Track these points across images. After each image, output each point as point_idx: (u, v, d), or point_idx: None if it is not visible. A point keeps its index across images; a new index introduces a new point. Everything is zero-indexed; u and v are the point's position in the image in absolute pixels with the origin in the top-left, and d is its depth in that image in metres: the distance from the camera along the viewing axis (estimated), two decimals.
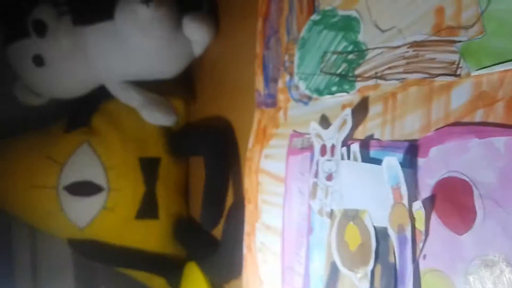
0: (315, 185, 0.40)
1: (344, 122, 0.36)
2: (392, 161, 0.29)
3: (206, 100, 0.81)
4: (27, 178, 0.76)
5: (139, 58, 0.72)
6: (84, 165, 0.78)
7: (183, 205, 0.90)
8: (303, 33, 0.44)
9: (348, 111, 0.35)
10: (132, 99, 0.76)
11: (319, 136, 0.39)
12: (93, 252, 0.82)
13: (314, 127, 0.40)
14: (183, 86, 0.87)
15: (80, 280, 0.91)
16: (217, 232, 0.68)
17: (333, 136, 0.37)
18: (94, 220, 0.80)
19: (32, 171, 0.77)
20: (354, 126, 0.35)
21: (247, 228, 0.56)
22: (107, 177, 0.79)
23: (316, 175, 0.39)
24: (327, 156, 0.38)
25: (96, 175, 0.78)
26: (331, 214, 0.37)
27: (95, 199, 0.79)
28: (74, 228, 0.80)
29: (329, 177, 0.38)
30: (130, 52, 0.71)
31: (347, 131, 0.36)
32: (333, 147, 0.37)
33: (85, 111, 0.82)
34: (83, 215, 0.79)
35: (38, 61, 0.70)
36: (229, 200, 0.67)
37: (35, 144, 0.78)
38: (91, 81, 0.76)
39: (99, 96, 0.82)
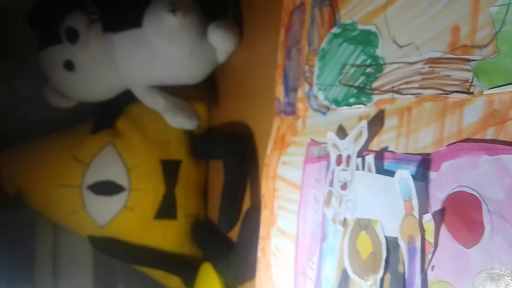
0: (330, 193, 0.41)
1: (360, 134, 0.37)
2: (404, 174, 0.30)
3: (227, 106, 0.83)
4: (53, 177, 0.79)
5: (165, 64, 0.74)
6: (107, 165, 0.81)
7: (201, 207, 0.92)
8: (323, 45, 0.45)
9: (364, 123, 0.36)
10: (156, 103, 0.78)
11: (335, 146, 0.40)
12: (112, 249, 0.85)
13: (331, 137, 0.40)
14: (206, 91, 0.89)
15: (98, 277, 0.93)
16: (233, 234, 0.70)
17: (349, 146, 0.38)
18: (115, 218, 0.82)
19: (58, 170, 0.80)
20: (369, 138, 0.36)
21: (262, 232, 0.57)
22: (129, 178, 0.81)
23: (331, 183, 0.40)
24: (343, 165, 0.39)
25: (118, 176, 0.81)
26: (344, 222, 0.38)
27: (117, 198, 0.81)
28: (95, 225, 0.82)
29: (344, 186, 0.38)
30: (157, 59, 0.73)
31: (362, 143, 0.36)
32: (348, 157, 0.38)
33: (110, 113, 0.85)
34: (104, 214, 0.82)
35: (69, 66, 0.73)
36: (246, 204, 0.68)
37: (62, 145, 0.81)
38: (118, 85, 0.79)
39: (124, 100, 0.84)
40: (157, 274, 0.92)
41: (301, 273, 0.44)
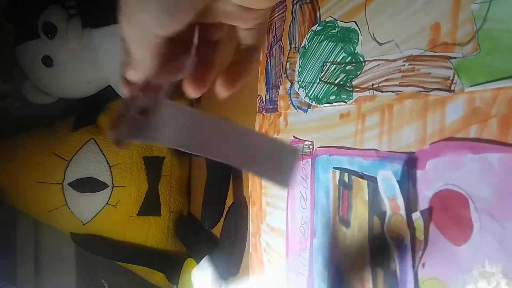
0: None
1: None
2: (387, 175, 0.29)
3: (210, 104, 0.81)
4: (33, 174, 0.76)
5: None
6: (89, 162, 0.78)
7: (184, 203, 0.90)
8: (304, 42, 0.44)
9: None
10: None
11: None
12: (95, 246, 0.82)
13: None
14: None
15: (81, 273, 0.91)
16: (217, 230, 0.68)
17: None
18: (97, 215, 0.80)
19: (39, 167, 0.77)
20: None
21: (252, 228, 0.55)
22: (111, 175, 0.79)
23: None
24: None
25: (100, 172, 0.78)
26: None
27: (99, 195, 0.79)
28: (77, 222, 0.80)
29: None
30: None
31: None
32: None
33: (92, 110, 0.82)
34: (86, 211, 0.79)
35: (47, 61, 0.70)
36: (230, 200, 0.67)
37: (42, 142, 0.78)
38: (98, 81, 0.76)
39: (105, 96, 0.82)
40: (141, 271, 0.90)
41: (293, 269, 0.43)
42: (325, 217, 0.38)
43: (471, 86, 0.25)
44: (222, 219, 0.65)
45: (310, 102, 0.42)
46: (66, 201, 0.78)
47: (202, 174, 0.72)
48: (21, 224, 0.85)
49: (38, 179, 0.76)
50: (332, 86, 0.38)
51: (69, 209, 0.78)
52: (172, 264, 0.87)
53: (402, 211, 0.28)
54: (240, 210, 0.62)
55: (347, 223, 0.35)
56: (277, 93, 0.49)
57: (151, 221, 0.85)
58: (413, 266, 0.28)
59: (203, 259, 0.70)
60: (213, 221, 0.63)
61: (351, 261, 0.34)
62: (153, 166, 0.83)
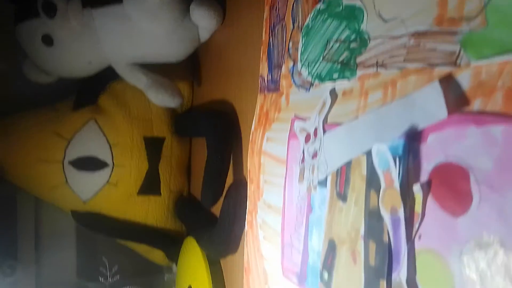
0: (302, 169, 0.40)
1: (323, 104, 0.37)
2: (381, 148, 0.29)
3: (210, 85, 0.81)
4: (34, 152, 0.76)
5: (147, 41, 0.71)
6: (89, 141, 0.78)
7: (184, 184, 0.90)
8: (308, 21, 0.43)
9: (327, 94, 0.36)
10: (138, 80, 0.75)
11: (302, 129, 0.40)
12: (95, 224, 0.82)
13: (298, 124, 0.41)
14: (189, 70, 0.87)
15: (82, 250, 0.91)
16: (216, 210, 0.68)
17: (315, 121, 0.38)
18: (98, 194, 0.80)
19: (40, 145, 0.76)
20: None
21: (249, 206, 0.56)
22: (112, 154, 0.79)
23: (303, 160, 0.40)
24: (311, 140, 0.39)
25: (101, 151, 0.78)
26: (317, 185, 0.38)
27: (99, 174, 0.79)
28: (78, 200, 0.80)
29: (314, 155, 0.38)
30: (138, 35, 0.70)
31: (326, 111, 0.37)
32: (315, 130, 0.38)
33: (92, 90, 0.82)
34: (87, 189, 0.79)
35: (47, 40, 0.69)
36: (230, 180, 0.67)
37: (43, 120, 0.78)
38: (98, 62, 0.75)
39: (106, 77, 0.81)
40: (141, 249, 0.91)
41: (288, 245, 0.43)
42: (322, 192, 0.38)
43: (477, 60, 0.25)
44: (222, 198, 0.65)
45: (312, 81, 0.42)
46: (66, 179, 0.78)
47: (202, 156, 0.72)
48: (22, 201, 0.85)
49: (38, 157, 0.76)
50: (336, 64, 0.38)
51: (70, 187, 0.78)
52: (171, 243, 0.88)
53: (396, 184, 0.28)
54: (240, 190, 0.62)
55: (344, 198, 0.35)
56: (279, 72, 0.48)
57: (151, 200, 0.85)
58: (408, 239, 0.28)
59: (203, 237, 0.70)
60: (213, 199, 0.63)
61: (345, 235, 0.34)
62: (153, 146, 0.83)
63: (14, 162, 0.76)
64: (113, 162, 0.79)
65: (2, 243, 0.83)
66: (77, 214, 0.82)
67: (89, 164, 0.78)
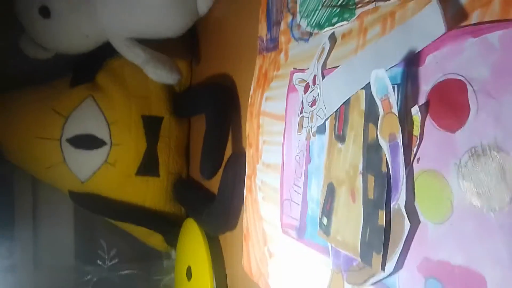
0: (301, 119, 0.41)
1: (322, 50, 0.37)
2: (379, 73, 0.29)
3: (209, 63, 0.81)
4: (31, 129, 0.76)
5: (144, 14, 0.72)
6: (87, 118, 0.78)
7: (183, 165, 0.90)
8: None
9: (326, 39, 0.36)
10: (136, 55, 0.76)
11: (301, 80, 0.40)
12: (93, 205, 0.82)
13: (297, 76, 0.41)
14: (187, 49, 0.87)
15: (79, 234, 0.91)
16: (216, 190, 0.68)
17: (313, 68, 0.38)
18: (96, 173, 0.80)
19: (37, 122, 0.77)
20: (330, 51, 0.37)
21: (248, 171, 0.56)
22: (109, 132, 0.79)
23: (301, 111, 0.40)
24: (310, 88, 0.39)
25: (99, 129, 0.78)
26: (316, 132, 0.38)
27: (97, 153, 0.79)
28: (76, 180, 0.80)
29: (313, 103, 0.38)
30: (136, 8, 0.71)
31: (324, 57, 0.37)
32: (314, 77, 0.38)
33: (90, 67, 0.82)
34: (85, 168, 0.79)
35: (45, 12, 0.70)
36: (229, 154, 0.67)
37: (40, 97, 0.78)
38: (96, 36, 0.76)
39: (103, 54, 0.81)
40: (139, 233, 0.91)
41: (287, 200, 0.43)
42: (321, 139, 0.38)
43: None
44: (220, 171, 0.65)
45: (311, 31, 0.42)
46: (64, 158, 0.78)
47: (201, 139, 0.72)
48: (19, 182, 0.85)
49: (36, 134, 0.77)
50: (335, 8, 0.38)
51: (67, 166, 0.79)
52: (170, 227, 0.88)
53: (395, 109, 0.28)
54: (239, 161, 0.62)
55: (342, 139, 0.35)
56: (278, 29, 0.49)
57: (150, 182, 0.85)
58: (407, 164, 0.28)
59: (202, 213, 0.70)
60: (212, 170, 0.63)
61: (344, 175, 0.34)
62: (151, 125, 0.83)
63: (11, 139, 0.77)
64: (111, 141, 0.79)
65: (0, 224, 0.83)
66: (75, 194, 0.82)
67: (87, 142, 0.78)
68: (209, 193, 0.77)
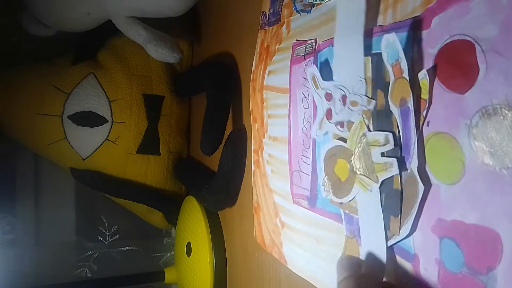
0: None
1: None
2: (390, 38, 0.28)
3: (210, 42, 0.80)
4: (33, 105, 0.75)
5: None
6: (88, 96, 0.77)
7: (184, 145, 0.90)
8: None
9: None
10: (137, 34, 0.74)
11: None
12: (94, 182, 0.82)
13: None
14: (188, 29, 0.86)
15: (81, 210, 0.90)
16: (216, 168, 0.67)
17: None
18: (97, 151, 0.79)
19: (39, 98, 0.75)
20: None
21: (254, 146, 0.55)
22: (111, 110, 0.78)
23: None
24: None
25: (100, 107, 0.77)
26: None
27: (99, 130, 0.78)
28: (77, 157, 0.79)
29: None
30: None
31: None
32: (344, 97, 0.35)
33: (91, 45, 0.81)
34: (86, 146, 0.79)
35: None
36: (229, 131, 0.66)
37: (41, 74, 0.77)
38: (97, 14, 0.74)
39: (105, 32, 0.80)
40: (140, 210, 0.90)
41: (297, 171, 0.43)
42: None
43: None
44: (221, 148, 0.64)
45: (314, 1, 0.41)
46: (65, 135, 0.77)
47: (201, 119, 0.71)
48: (21, 158, 0.85)
49: (37, 110, 0.75)
50: None
51: (69, 143, 0.78)
52: (171, 205, 0.87)
53: (405, 74, 0.28)
54: (240, 137, 0.62)
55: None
56: (281, 3, 0.48)
57: (151, 160, 0.84)
58: (417, 128, 0.27)
59: (202, 189, 0.70)
60: (213, 146, 0.62)
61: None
62: (152, 104, 0.82)
63: (13, 115, 0.76)
64: (112, 118, 0.78)
65: (1, 200, 0.82)
66: (76, 171, 0.82)
67: (88, 119, 0.77)
68: (210, 171, 0.77)
